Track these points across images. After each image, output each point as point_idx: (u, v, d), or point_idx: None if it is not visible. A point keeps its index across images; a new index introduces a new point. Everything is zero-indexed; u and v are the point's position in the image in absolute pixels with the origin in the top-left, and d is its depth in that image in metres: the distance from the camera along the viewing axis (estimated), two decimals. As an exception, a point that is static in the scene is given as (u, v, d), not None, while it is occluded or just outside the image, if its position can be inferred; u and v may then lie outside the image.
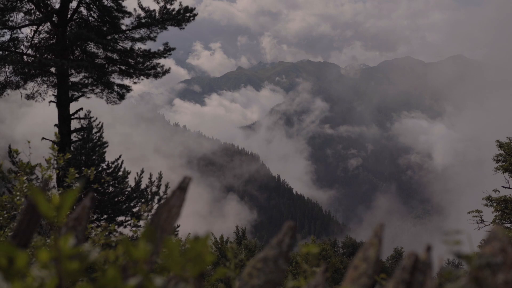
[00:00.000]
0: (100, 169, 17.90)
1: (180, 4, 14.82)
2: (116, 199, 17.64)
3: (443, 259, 1.04)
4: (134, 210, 17.61)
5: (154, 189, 17.81)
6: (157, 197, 17.66)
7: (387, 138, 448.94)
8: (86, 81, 15.90)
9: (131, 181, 18.38)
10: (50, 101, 15.81)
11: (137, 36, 15.21)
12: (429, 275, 0.97)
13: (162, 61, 16.03)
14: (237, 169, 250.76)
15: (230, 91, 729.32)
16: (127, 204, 17.68)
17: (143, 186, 18.14)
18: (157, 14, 14.68)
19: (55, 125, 15.49)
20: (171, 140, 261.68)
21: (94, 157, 17.88)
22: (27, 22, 14.74)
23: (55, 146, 5.20)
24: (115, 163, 18.63)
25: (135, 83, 16.33)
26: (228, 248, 1.59)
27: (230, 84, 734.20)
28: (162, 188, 17.83)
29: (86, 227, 1.31)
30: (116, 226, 17.14)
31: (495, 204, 16.51)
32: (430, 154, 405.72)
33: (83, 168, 5.52)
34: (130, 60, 15.68)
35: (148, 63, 15.76)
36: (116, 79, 16.18)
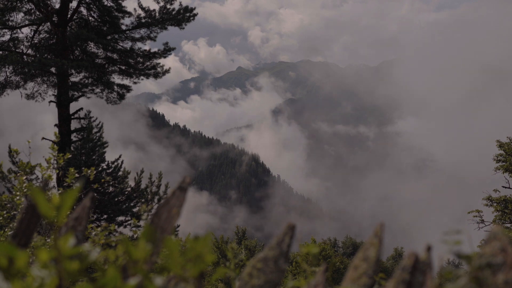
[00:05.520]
0: (100, 169, 17.87)
1: (180, 4, 14.82)
2: (116, 199, 17.62)
3: (443, 259, 1.04)
4: (134, 210, 17.60)
5: (154, 189, 17.79)
6: (157, 197, 17.64)
7: (387, 137, 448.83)
8: (86, 81, 15.89)
9: (131, 181, 18.36)
10: (50, 101, 15.80)
11: (137, 36, 15.21)
12: (429, 275, 0.97)
13: (162, 61, 16.05)
14: (237, 169, 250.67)
15: (230, 90, 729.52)
16: (127, 204, 17.66)
17: (143, 186, 18.12)
18: (157, 14, 14.68)
19: (55, 125, 15.49)
20: (171, 140, 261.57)
21: (94, 157, 17.86)
22: (27, 22, 14.74)
23: (55, 146, 5.20)
24: (115, 163, 18.61)
25: (135, 83, 16.32)
26: (228, 248, 1.59)
27: (230, 84, 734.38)
28: (162, 188, 17.81)
29: (86, 227, 1.31)
30: (116, 226, 17.17)
31: (495, 204, 16.50)
32: (430, 153, 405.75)
33: (83, 168, 5.52)
34: (130, 60, 15.67)
35: (148, 63, 15.75)
36: (116, 79, 16.18)
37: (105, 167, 18.24)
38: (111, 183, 17.74)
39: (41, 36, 15.71)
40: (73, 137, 16.66)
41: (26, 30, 22.08)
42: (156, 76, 16.04)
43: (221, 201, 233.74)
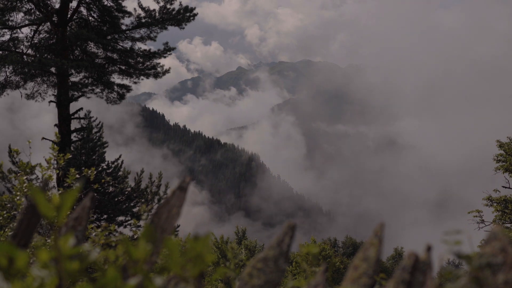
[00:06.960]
0: (100, 169, 17.87)
1: (180, 4, 14.82)
2: (116, 199, 17.62)
3: (443, 259, 1.04)
4: (134, 210, 17.60)
5: (154, 189, 17.80)
6: (157, 197, 17.65)
7: (387, 136, 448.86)
8: (86, 81, 15.89)
9: (131, 181, 18.36)
10: (50, 101, 15.80)
11: (137, 36, 15.21)
12: (429, 275, 0.97)
13: (162, 60, 16.06)
14: (237, 169, 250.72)
15: (230, 90, 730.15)
16: (127, 204, 17.66)
17: (143, 186, 18.12)
18: (157, 14, 14.68)
19: (55, 125, 15.49)
20: (170, 140, 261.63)
21: (94, 157, 17.86)
22: (27, 22, 14.74)
23: (55, 146, 5.20)
24: (115, 163, 18.61)
25: (135, 83, 16.33)
26: (228, 248, 1.59)
27: (230, 84, 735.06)
28: (162, 188, 17.82)
29: (86, 227, 1.31)
30: (116, 226, 17.16)
31: (495, 204, 16.50)
32: (430, 153, 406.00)
33: (83, 168, 5.52)
34: (130, 60, 15.68)
35: (148, 63, 15.76)
36: (116, 79, 16.19)
37: (105, 167, 18.24)
38: (111, 183, 17.74)
39: (41, 36, 15.71)
40: (73, 137, 16.67)
41: (26, 30, 22.08)
42: (156, 76, 16.05)
43: (221, 201, 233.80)
